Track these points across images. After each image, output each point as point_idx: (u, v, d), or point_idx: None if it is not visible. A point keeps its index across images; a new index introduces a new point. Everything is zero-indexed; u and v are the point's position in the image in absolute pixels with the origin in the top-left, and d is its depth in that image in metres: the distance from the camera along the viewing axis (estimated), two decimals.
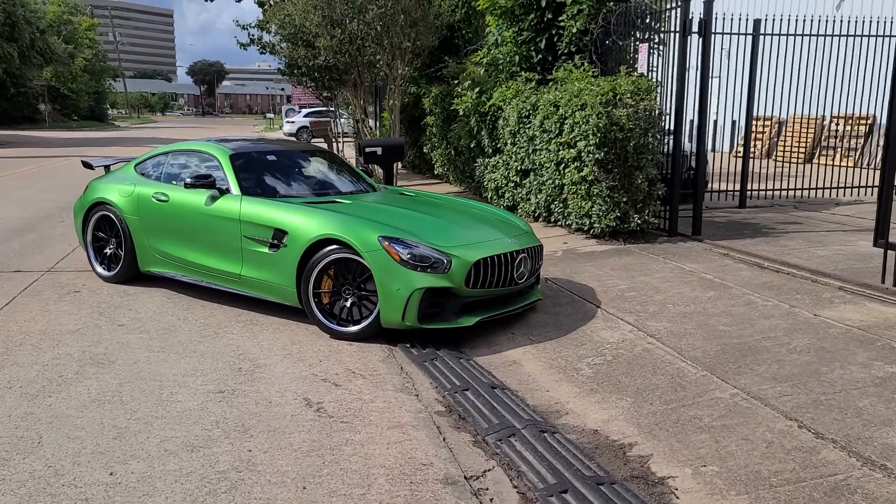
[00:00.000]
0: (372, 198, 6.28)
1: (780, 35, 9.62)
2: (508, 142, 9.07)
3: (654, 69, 8.39)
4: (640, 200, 7.55)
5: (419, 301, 4.84)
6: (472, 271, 4.98)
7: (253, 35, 14.77)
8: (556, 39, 9.21)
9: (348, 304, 5.10)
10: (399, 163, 11.77)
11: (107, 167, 7.26)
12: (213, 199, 5.73)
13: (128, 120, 68.17)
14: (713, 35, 7.92)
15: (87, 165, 7.48)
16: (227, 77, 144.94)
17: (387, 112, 13.63)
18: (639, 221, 7.52)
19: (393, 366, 4.62)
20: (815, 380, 4.09)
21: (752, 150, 16.72)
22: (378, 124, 16.01)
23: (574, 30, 8.85)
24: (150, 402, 3.91)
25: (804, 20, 9.90)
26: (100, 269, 6.55)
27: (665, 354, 4.63)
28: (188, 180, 5.71)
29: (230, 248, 5.58)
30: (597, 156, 7.29)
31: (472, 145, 10.39)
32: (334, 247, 5.02)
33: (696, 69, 7.94)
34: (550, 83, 8.82)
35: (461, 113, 10.22)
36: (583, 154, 7.47)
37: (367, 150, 9.13)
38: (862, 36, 9.96)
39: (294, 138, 33.91)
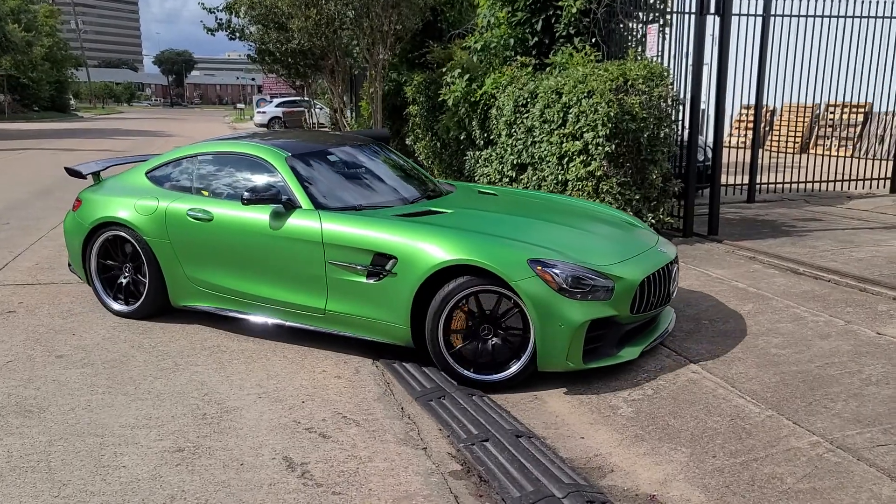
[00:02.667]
0: (466, 202, 5.19)
1: (790, 16, 8.95)
2: (503, 133, 8.27)
3: (661, 54, 7.66)
4: (655, 198, 6.81)
5: (584, 336, 3.92)
6: (637, 294, 4.10)
7: (221, 19, 13.77)
8: (553, 21, 8.42)
9: (490, 346, 4.05)
10: None
11: (96, 173, 5.75)
12: (279, 216, 4.51)
13: (92, 110, 66.07)
14: (733, 16, 7.17)
15: (75, 174, 5.74)
16: (196, 67, 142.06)
17: (365, 101, 12.76)
18: (653, 221, 6.78)
19: (392, 406, 3.82)
20: None
21: (742, 139, 16.17)
22: (354, 115, 15.12)
23: (574, 10, 8.06)
24: (85, 470, 3.06)
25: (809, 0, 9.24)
26: (115, 305, 5.19)
27: (716, 387, 3.89)
28: (247, 195, 4.44)
29: (309, 277, 4.43)
30: (607, 148, 6.53)
31: (461, 137, 9.57)
32: (467, 277, 3.97)
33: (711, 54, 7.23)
34: (549, 68, 8.04)
35: (450, 104, 9.40)
36: (590, 146, 6.71)
37: None
38: (869, 17, 9.33)
39: (266, 129, 32.86)
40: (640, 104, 6.52)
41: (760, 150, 9.53)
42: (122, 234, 5.08)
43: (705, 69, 7.27)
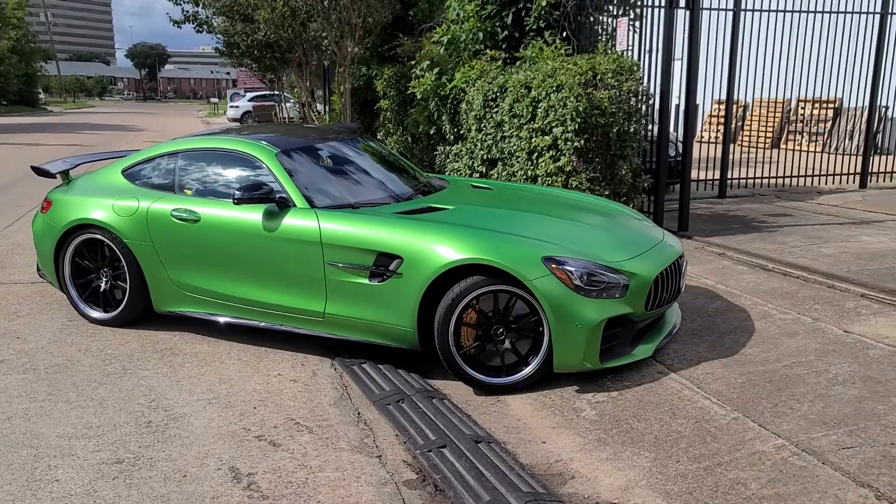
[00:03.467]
0: (465, 197, 5.03)
1: (761, 11, 8.91)
2: (473, 128, 8.13)
3: (631, 48, 7.57)
4: (624, 193, 6.72)
5: (601, 335, 3.80)
6: (652, 290, 3.98)
7: (187, 11, 13.46)
8: (523, 14, 8.31)
9: (503, 347, 3.91)
10: None
11: (65, 172, 5.33)
12: (273, 215, 4.30)
13: (62, 104, 64.85)
14: (702, 10, 7.10)
15: (43, 172, 5.30)
16: (169, 60, 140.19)
17: (336, 95, 12.55)
18: None
19: (348, 411, 3.68)
20: (874, 423, 3.30)
21: (713, 135, 16.21)
22: (328, 109, 14.89)
23: (544, 3, 7.97)
24: (16, 485, 2.89)
25: None
26: (93, 313, 4.88)
27: (681, 388, 3.79)
28: (238, 194, 4.21)
29: (307, 279, 4.23)
30: (576, 143, 6.42)
31: (431, 132, 9.43)
32: (478, 277, 3.81)
33: (682, 47, 7.15)
34: (519, 62, 7.92)
35: (419, 97, 9.24)
36: (559, 142, 6.59)
37: None
38: (844, 13, 9.33)
39: (239, 123, 32.45)
40: (610, 99, 6.42)
41: (732, 146, 9.50)
42: (99, 236, 4.75)
43: (676, 64, 7.20)
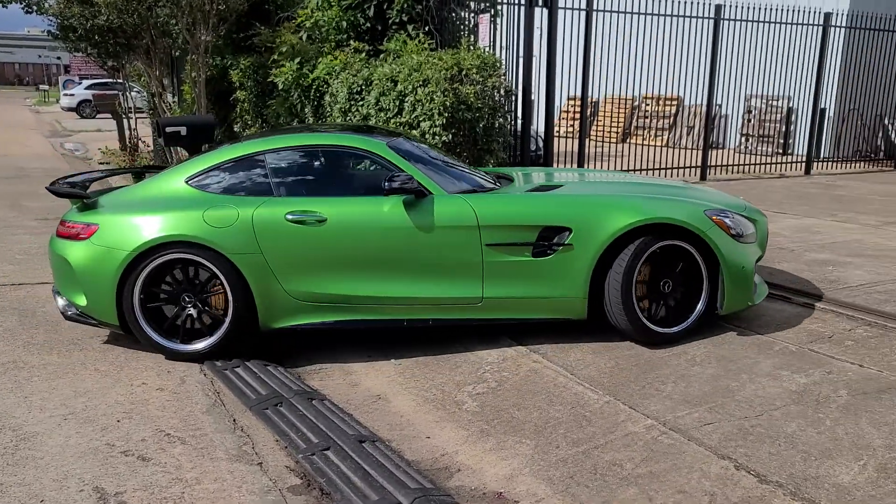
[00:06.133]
0: (557, 178, 5.29)
1: (611, 12, 9.40)
2: (338, 121, 8.00)
3: (492, 45, 7.74)
4: None
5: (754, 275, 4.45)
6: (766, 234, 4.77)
7: None
8: (386, 7, 8.25)
9: (672, 299, 4.33)
10: (207, 144, 10.18)
11: (82, 189, 4.49)
12: (413, 206, 4.15)
13: None
14: (559, 9, 7.38)
15: (62, 193, 4.36)
16: None
17: (188, 85, 11.90)
18: None
19: (223, 419, 3.50)
20: (729, 400, 3.57)
21: (567, 130, 16.95)
22: (179, 99, 14.10)
23: None
24: None
25: None
26: (187, 346, 4.18)
27: (556, 376, 3.93)
28: (390, 184, 4.03)
29: (461, 265, 4.16)
30: (444, 138, 6.49)
31: (294, 124, 9.17)
32: (648, 237, 4.13)
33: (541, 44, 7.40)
34: (383, 55, 7.87)
35: (280, 86, 8.95)
36: (427, 136, 6.63)
37: (169, 129, 7.56)
38: (683, 17, 10.05)
39: (75, 113, 30.09)
40: (476, 94, 6.53)
41: (587, 140, 9.96)
42: (188, 255, 4.07)
43: (535, 61, 7.44)
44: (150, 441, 3.23)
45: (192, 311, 4.18)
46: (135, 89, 15.95)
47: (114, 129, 14.95)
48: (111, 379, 3.87)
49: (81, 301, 4.19)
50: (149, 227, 4.07)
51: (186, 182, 4.36)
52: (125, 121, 13.95)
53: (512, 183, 4.91)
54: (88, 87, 30.87)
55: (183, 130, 7.58)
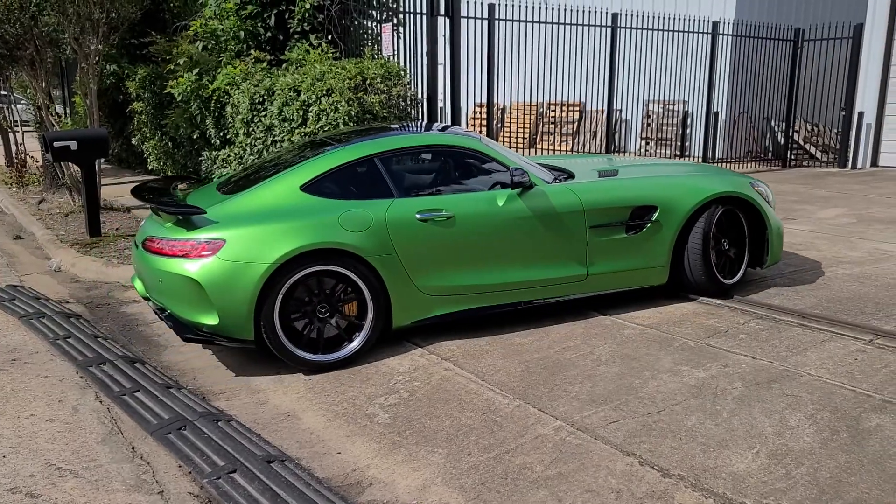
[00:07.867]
0: (611, 166, 5.74)
1: (511, 21, 9.58)
2: (241, 132, 7.80)
3: (397, 53, 7.75)
4: None
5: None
6: None
7: None
8: (287, 16, 8.13)
9: (729, 254, 5.23)
10: (102, 158, 9.66)
11: (164, 198, 4.53)
12: (528, 198, 4.62)
13: None
14: (461, 19, 7.46)
15: (156, 200, 4.42)
16: None
17: (79, 97, 11.33)
18: None
19: (120, 447, 3.32)
20: (633, 397, 3.68)
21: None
22: (70, 111, 13.43)
23: (307, 6, 7.87)
24: None
25: (534, 7, 10.02)
26: (324, 358, 4.18)
27: (468, 382, 3.94)
28: (520, 179, 4.53)
29: (570, 247, 4.73)
30: None
31: (194, 136, 8.89)
32: (714, 207, 5.00)
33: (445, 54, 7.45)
34: (285, 65, 7.74)
35: (178, 98, 8.66)
36: None
37: (57, 144, 7.18)
38: (581, 25, 10.35)
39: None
40: (380, 103, 6.51)
41: None
42: (329, 266, 4.10)
43: (440, 69, 7.49)
44: (40, 476, 3.03)
45: (332, 320, 4.21)
46: (21, 101, 15.08)
47: None
48: None
49: (212, 321, 4.03)
50: (286, 237, 4.03)
51: (301, 189, 4.33)
52: (11, 135, 13.15)
53: (570, 173, 5.33)
54: None
55: (73, 145, 7.22)
